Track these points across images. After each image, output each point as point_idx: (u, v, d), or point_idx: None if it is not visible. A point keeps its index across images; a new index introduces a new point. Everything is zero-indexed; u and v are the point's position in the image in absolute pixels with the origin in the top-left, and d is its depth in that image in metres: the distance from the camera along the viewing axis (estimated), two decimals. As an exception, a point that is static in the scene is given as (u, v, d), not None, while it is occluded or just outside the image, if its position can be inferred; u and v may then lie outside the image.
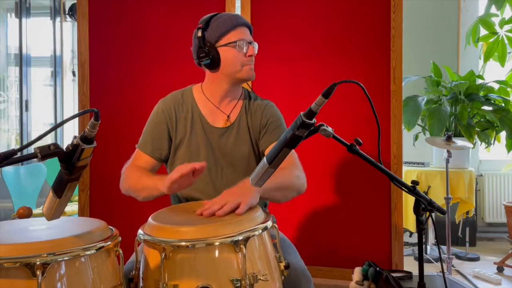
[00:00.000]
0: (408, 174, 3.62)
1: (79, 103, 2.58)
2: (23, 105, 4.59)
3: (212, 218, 1.22)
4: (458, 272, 3.32)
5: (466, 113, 3.61)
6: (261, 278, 1.11)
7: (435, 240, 3.74)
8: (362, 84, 1.11)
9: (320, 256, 2.38)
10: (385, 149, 2.27)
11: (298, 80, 2.41)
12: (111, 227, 1.20)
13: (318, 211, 2.40)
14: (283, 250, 1.28)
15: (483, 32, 4.01)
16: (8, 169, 3.50)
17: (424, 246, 2.23)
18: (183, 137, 1.63)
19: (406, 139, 3.23)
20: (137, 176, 1.55)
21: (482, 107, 3.73)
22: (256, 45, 1.60)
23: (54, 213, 1.06)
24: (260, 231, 1.17)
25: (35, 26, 4.72)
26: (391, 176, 1.17)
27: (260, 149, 1.65)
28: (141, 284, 1.18)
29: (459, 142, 3.10)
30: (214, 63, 1.56)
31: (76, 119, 2.70)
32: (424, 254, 2.03)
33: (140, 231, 1.19)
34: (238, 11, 2.50)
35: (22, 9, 4.58)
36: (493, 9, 3.98)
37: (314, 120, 1.08)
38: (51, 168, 3.82)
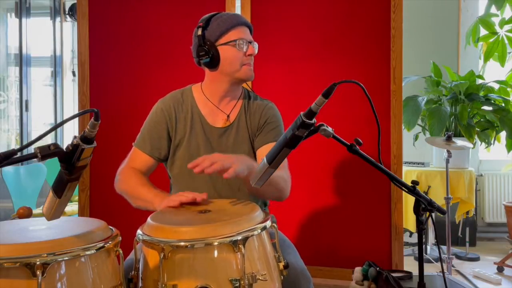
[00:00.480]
0: (408, 174, 3.62)
1: (79, 103, 2.58)
2: (23, 105, 4.59)
3: (211, 218, 1.22)
4: (458, 272, 3.32)
5: (466, 113, 3.61)
6: (260, 278, 1.11)
7: (435, 240, 3.74)
8: (362, 84, 1.11)
9: (320, 256, 2.38)
10: (385, 149, 2.27)
11: (298, 80, 2.41)
12: (111, 227, 1.20)
13: (318, 211, 2.40)
14: (282, 250, 1.28)
15: (483, 32, 4.01)
16: (8, 169, 3.50)
17: (424, 246, 2.23)
18: (183, 137, 1.63)
19: (406, 139, 3.23)
20: (134, 182, 1.55)
21: (482, 107, 3.73)
22: (256, 45, 1.60)
23: (54, 213, 1.06)
24: (259, 231, 1.17)
25: (35, 26, 4.72)
26: (391, 176, 1.18)
27: (254, 148, 1.65)
28: (140, 284, 1.18)
29: (459, 142, 3.10)
30: (214, 62, 1.56)
31: (76, 119, 2.70)
32: (424, 254, 2.03)
33: (139, 231, 1.19)
34: (238, 11, 2.50)
35: (22, 9, 4.58)
36: (493, 9, 3.98)
37: (314, 120, 1.08)
38: (51, 168, 3.82)
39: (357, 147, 1.14)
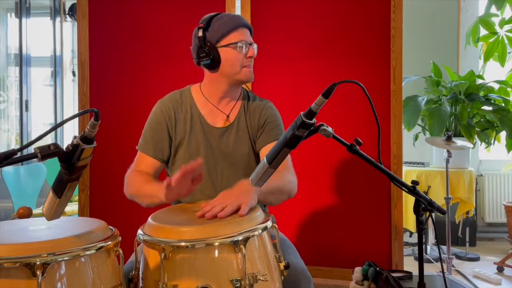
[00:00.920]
0: (408, 174, 3.62)
1: (79, 103, 2.58)
2: (23, 105, 4.59)
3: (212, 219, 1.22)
4: (458, 272, 3.32)
5: (466, 113, 3.61)
6: (261, 278, 1.11)
7: (435, 240, 3.74)
8: (362, 84, 1.11)
9: (320, 256, 2.38)
10: (385, 149, 2.27)
11: (298, 80, 2.41)
12: (111, 227, 1.20)
13: (318, 211, 2.40)
14: (283, 250, 1.28)
15: (483, 32, 4.01)
16: (8, 169, 3.50)
17: (424, 246, 2.23)
18: (183, 138, 1.63)
19: (406, 139, 3.23)
20: (138, 182, 1.55)
21: (482, 107, 3.73)
22: (256, 47, 1.60)
23: (54, 213, 1.06)
24: (260, 231, 1.17)
25: (35, 26, 4.72)
26: (391, 176, 1.17)
27: (256, 149, 1.65)
28: (140, 284, 1.18)
29: (459, 142, 3.10)
30: (214, 64, 1.56)
31: (76, 119, 2.70)
32: (424, 254, 2.03)
33: (139, 231, 1.19)
34: (238, 11, 2.49)
35: (22, 9, 4.58)
36: (493, 9, 3.98)
37: (314, 120, 1.08)
38: (51, 168, 3.82)
39: (357, 147, 1.14)
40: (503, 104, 3.72)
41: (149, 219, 1.22)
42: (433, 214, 1.17)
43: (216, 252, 1.10)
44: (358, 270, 1.67)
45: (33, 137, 4.49)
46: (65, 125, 4.59)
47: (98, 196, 2.55)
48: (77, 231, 1.09)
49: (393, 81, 2.27)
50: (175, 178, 1.31)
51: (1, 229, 1.16)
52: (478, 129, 3.70)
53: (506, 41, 3.90)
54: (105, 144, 2.28)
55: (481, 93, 3.77)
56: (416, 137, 3.99)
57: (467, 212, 3.67)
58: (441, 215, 1.60)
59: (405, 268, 2.17)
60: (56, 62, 4.79)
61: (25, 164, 3.81)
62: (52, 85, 4.83)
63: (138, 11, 2.55)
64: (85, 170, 1.04)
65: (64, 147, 0.97)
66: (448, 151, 3.01)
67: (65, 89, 4.88)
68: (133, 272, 1.20)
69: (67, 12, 4.80)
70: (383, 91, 2.28)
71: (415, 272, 1.40)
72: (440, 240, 3.73)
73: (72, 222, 1.23)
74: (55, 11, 4.77)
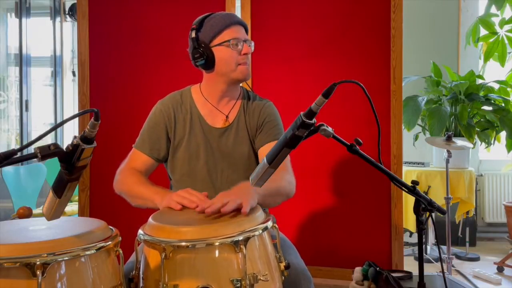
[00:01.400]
0: (408, 174, 3.62)
1: (79, 103, 2.58)
2: (23, 105, 4.59)
3: (212, 219, 1.22)
4: (458, 272, 3.32)
5: (466, 113, 3.61)
6: (261, 278, 1.11)
7: (435, 240, 3.74)
8: (362, 84, 1.11)
9: (320, 256, 2.38)
10: (385, 149, 2.27)
11: (298, 80, 2.41)
12: (111, 227, 1.20)
13: (318, 211, 2.40)
14: (283, 250, 1.28)
15: (483, 32, 4.01)
16: (8, 169, 3.50)
17: (424, 246, 2.23)
18: (182, 138, 1.63)
19: (406, 139, 3.23)
20: (132, 181, 1.55)
21: (482, 107, 3.73)
22: (252, 43, 1.59)
23: (54, 213, 1.06)
24: (260, 231, 1.17)
25: (35, 26, 4.72)
26: (391, 176, 1.17)
27: (255, 148, 1.65)
28: (141, 284, 1.18)
29: (459, 142, 3.10)
30: (209, 63, 1.55)
31: (76, 119, 2.70)
32: (424, 254, 2.03)
33: (140, 231, 1.19)
34: (238, 11, 2.50)
35: (22, 9, 4.58)
36: (493, 9, 3.98)
37: (314, 120, 1.08)
38: (51, 168, 3.82)
39: (357, 147, 1.14)
40: (503, 104, 3.72)
41: (150, 219, 1.22)
42: (433, 214, 1.17)
43: (217, 252, 1.10)
44: (358, 270, 1.67)
45: (33, 137, 4.49)
46: (65, 125, 4.59)
47: (98, 196, 2.55)
48: (77, 231, 1.09)
49: (393, 81, 2.28)
50: (177, 208, 1.33)
51: (1, 229, 1.16)
52: (478, 129, 3.71)
53: (506, 41, 3.90)
54: (105, 144, 2.28)
55: (481, 93, 3.77)
56: (416, 137, 3.99)
57: (467, 212, 3.67)
58: (441, 215, 1.60)
59: (405, 268, 2.17)
60: (56, 62, 4.79)
61: (25, 164, 3.81)
62: (52, 85, 4.83)
63: (138, 11, 2.55)
64: (85, 170, 1.04)
65: (64, 147, 0.97)
66: (448, 151, 3.01)
67: (65, 89, 4.88)
68: (134, 272, 1.20)
69: (67, 12, 4.80)
70: (383, 91, 2.28)
71: (415, 272, 1.40)
72: (440, 240, 3.73)
73: (72, 222, 1.23)
74: (55, 11, 4.77)
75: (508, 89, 3.85)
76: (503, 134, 3.77)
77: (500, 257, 3.45)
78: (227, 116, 1.64)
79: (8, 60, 4.84)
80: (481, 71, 4.16)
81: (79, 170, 1.00)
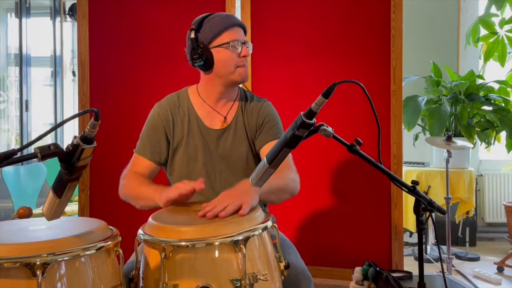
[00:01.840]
0: (408, 174, 3.62)
1: (79, 103, 2.58)
2: (23, 105, 4.59)
3: (212, 218, 1.22)
4: (458, 272, 3.32)
5: (466, 113, 3.61)
6: (261, 278, 1.11)
7: (435, 240, 3.74)
8: (362, 84, 1.11)
9: (320, 256, 2.38)
10: (385, 149, 2.27)
11: (298, 80, 2.41)
12: (111, 227, 1.20)
13: (318, 211, 2.40)
14: (283, 250, 1.28)
15: (483, 32, 4.01)
16: (8, 169, 3.50)
17: (424, 246, 2.23)
18: (181, 140, 1.62)
19: (406, 139, 3.23)
20: (135, 184, 1.55)
21: (482, 107, 3.73)
22: (250, 46, 1.59)
23: (54, 213, 1.06)
24: (260, 231, 1.17)
25: (35, 26, 4.71)
26: (391, 176, 1.17)
27: (255, 148, 1.65)
28: (141, 284, 1.18)
29: (459, 142, 3.10)
30: (208, 65, 1.55)
31: (76, 119, 2.70)
32: (424, 254, 2.03)
33: (140, 231, 1.19)
34: (238, 11, 2.49)
35: (22, 9, 4.58)
36: (493, 9, 3.98)
37: (314, 120, 1.08)
38: (51, 168, 3.82)
39: (357, 147, 1.14)
40: (503, 104, 3.72)
41: (150, 219, 1.22)
42: (433, 214, 1.17)
43: (217, 251, 1.10)
44: (358, 270, 1.67)
45: (33, 137, 4.49)
46: (65, 125, 4.59)
47: (98, 196, 2.55)
48: (77, 231, 1.09)
49: (393, 81, 2.28)
50: (181, 193, 1.33)
51: (1, 229, 1.16)
52: (478, 129, 3.70)
53: (506, 41, 3.89)
54: (105, 144, 2.28)
55: (481, 93, 3.77)
56: (416, 137, 3.99)
57: (467, 212, 3.67)
58: (441, 215, 1.61)
59: (405, 268, 2.17)
60: (56, 62, 4.79)
61: (25, 164, 3.81)
62: (52, 85, 4.82)
63: (138, 11, 2.55)
64: (85, 170, 1.04)
65: (64, 147, 0.97)
66: (448, 151, 3.01)
67: (65, 89, 4.88)
68: (134, 272, 1.20)
69: (67, 12, 4.80)
70: (383, 91, 2.28)
71: (415, 272, 1.40)
72: (440, 240, 3.73)
73: (72, 222, 1.23)
74: (55, 11, 4.77)
75: (508, 89, 3.85)
76: (503, 134, 3.77)
77: (500, 257, 3.45)
78: (225, 118, 1.63)
79: (8, 60, 4.84)
80: (481, 71, 4.16)
81: (79, 170, 1.00)
